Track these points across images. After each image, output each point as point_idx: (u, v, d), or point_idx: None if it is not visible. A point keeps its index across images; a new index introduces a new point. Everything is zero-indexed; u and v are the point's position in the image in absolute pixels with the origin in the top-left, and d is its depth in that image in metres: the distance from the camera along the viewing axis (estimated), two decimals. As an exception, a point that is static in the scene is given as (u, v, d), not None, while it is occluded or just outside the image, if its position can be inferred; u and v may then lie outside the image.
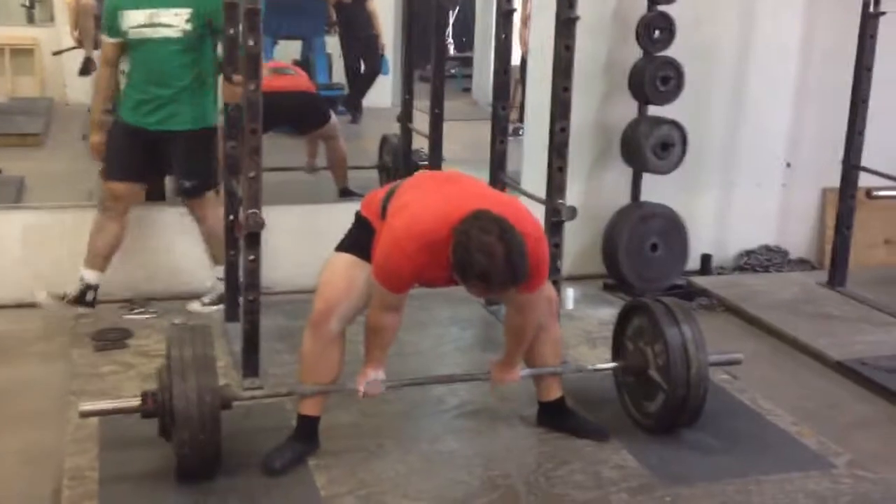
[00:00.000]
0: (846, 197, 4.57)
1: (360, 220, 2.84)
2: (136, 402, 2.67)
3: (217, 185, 3.96)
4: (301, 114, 5.35)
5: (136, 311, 4.04)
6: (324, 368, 2.80)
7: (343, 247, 2.83)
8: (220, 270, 3.95)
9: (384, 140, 5.60)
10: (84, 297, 3.92)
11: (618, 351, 3.21)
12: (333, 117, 5.53)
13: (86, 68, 7.02)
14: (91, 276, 3.93)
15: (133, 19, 3.74)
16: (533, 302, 2.76)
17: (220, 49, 3.79)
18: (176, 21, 3.73)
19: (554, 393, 3.05)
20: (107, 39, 3.87)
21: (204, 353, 2.65)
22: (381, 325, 2.71)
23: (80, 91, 7.57)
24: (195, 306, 4.08)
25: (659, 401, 3.00)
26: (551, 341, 3.00)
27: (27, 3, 8.70)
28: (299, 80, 5.46)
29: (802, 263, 5.23)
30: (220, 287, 3.97)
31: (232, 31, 3.44)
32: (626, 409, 3.16)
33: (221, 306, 3.95)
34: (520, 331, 2.84)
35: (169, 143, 3.87)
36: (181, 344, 2.66)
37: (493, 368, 2.95)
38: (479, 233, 2.44)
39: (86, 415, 2.70)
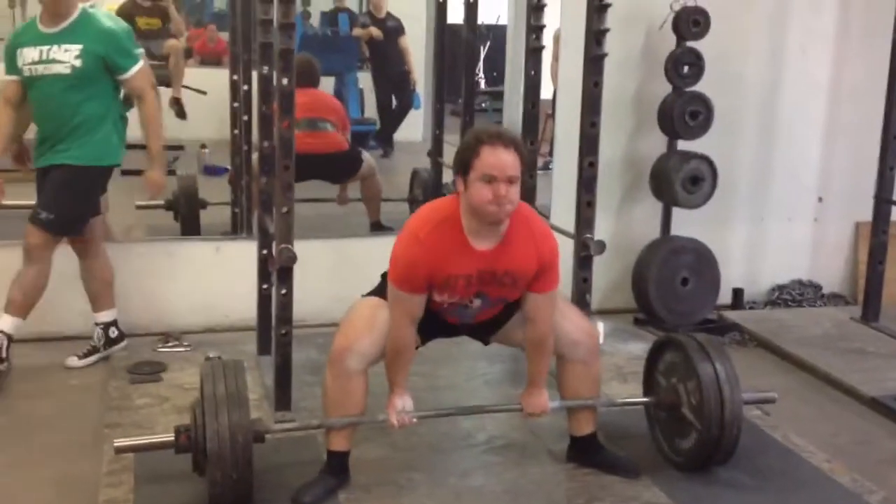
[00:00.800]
0: (878, 232, 4.54)
1: (385, 279, 2.85)
2: (169, 438, 2.70)
3: (81, 229, 3.82)
4: (334, 170, 5.39)
5: (170, 344, 4.09)
6: (347, 404, 2.82)
7: (375, 293, 2.87)
8: (101, 316, 3.92)
9: (415, 174, 5.65)
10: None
11: (650, 385, 3.19)
12: (367, 159, 5.55)
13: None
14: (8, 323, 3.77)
15: (28, 56, 3.69)
16: (547, 304, 2.77)
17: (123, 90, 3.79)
18: (66, 57, 3.65)
19: (587, 428, 3.04)
20: (5, 77, 3.81)
21: (236, 390, 2.67)
22: (400, 341, 2.72)
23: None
24: (73, 361, 3.89)
25: (692, 439, 2.98)
26: (591, 378, 2.99)
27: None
28: (332, 140, 5.38)
29: (836, 298, 5.19)
30: (99, 336, 3.91)
31: (266, 70, 3.50)
32: (658, 445, 3.14)
33: (97, 356, 3.89)
34: (538, 345, 2.83)
35: (47, 174, 3.77)
36: (214, 380, 2.68)
37: (522, 399, 2.94)
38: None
39: (121, 451, 2.74)
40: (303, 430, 3.00)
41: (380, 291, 2.84)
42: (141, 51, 4.00)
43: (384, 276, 2.83)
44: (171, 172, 5.65)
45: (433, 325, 2.85)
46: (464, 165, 2.59)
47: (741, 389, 2.95)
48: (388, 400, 2.80)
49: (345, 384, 2.79)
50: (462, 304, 2.78)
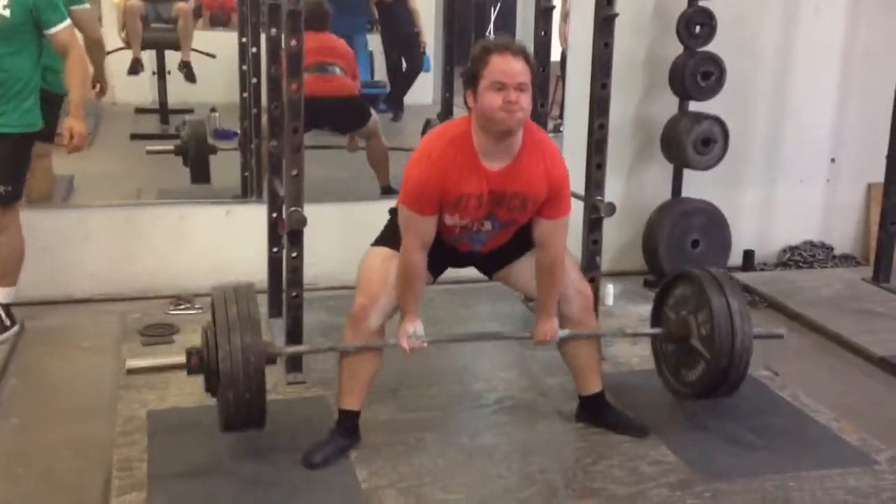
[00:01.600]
0: (890, 193, 4.52)
1: (394, 212, 2.86)
2: (181, 360, 2.72)
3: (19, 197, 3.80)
4: (342, 116, 5.38)
5: (181, 306, 4.12)
6: (364, 364, 2.84)
7: (379, 241, 2.87)
8: (5, 294, 3.84)
9: (427, 123, 5.60)
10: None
11: (658, 320, 3.19)
12: (374, 115, 5.55)
13: (134, 68, 7.17)
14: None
15: None
16: (558, 230, 2.77)
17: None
18: None
19: (594, 386, 3.05)
20: None
21: (248, 312, 2.67)
22: (411, 265, 2.70)
23: (128, 91, 7.73)
24: None
25: (699, 370, 2.99)
26: (590, 338, 3.01)
27: (75, 5, 8.84)
28: (340, 83, 5.42)
29: (847, 259, 5.18)
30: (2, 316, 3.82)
31: (274, 32, 3.49)
32: (664, 379, 3.16)
33: (5, 335, 3.79)
34: (549, 271, 2.81)
35: None
36: (226, 303, 2.69)
37: (532, 329, 2.92)
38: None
39: (132, 371, 2.76)
40: (312, 353, 3.08)
41: (388, 236, 2.84)
42: (85, 6, 4.13)
43: (392, 211, 2.85)
44: (177, 135, 5.65)
45: (443, 257, 2.85)
46: (473, 76, 2.58)
47: (751, 322, 2.95)
48: (400, 326, 2.79)
49: (366, 338, 2.81)
50: (473, 228, 2.75)
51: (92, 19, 4.38)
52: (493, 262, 2.98)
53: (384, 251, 2.83)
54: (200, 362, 2.68)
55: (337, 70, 5.38)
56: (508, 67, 2.54)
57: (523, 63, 2.56)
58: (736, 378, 2.96)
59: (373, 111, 5.61)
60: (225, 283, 2.82)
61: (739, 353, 2.91)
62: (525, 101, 2.55)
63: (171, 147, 5.10)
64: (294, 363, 3.35)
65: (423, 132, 5.64)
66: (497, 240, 2.86)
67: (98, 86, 4.87)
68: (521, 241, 2.87)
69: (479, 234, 2.80)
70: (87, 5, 4.41)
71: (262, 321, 3.72)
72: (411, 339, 2.78)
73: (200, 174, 5.08)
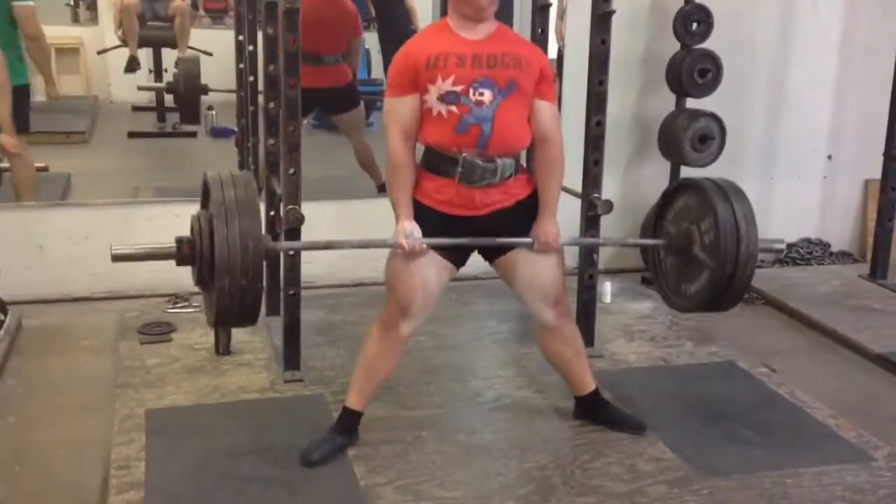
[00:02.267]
0: (888, 189, 4.53)
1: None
2: (170, 246, 2.62)
3: None
4: (334, 101, 5.38)
5: (179, 305, 4.12)
6: (382, 368, 2.85)
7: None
8: None
9: None
10: None
11: (656, 234, 3.12)
12: (361, 106, 5.54)
13: (131, 66, 7.16)
14: None
15: None
16: (555, 116, 2.76)
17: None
18: None
19: (587, 386, 3.05)
20: None
21: (246, 196, 2.54)
22: (395, 154, 2.64)
23: (125, 89, 7.72)
24: None
25: (702, 280, 2.90)
26: (571, 340, 2.97)
27: (72, 3, 8.85)
28: (336, 75, 5.39)
29: (844, 256, 5.18)
30: None
31: (271, 31, 3.49)
32: (663, 293, 3.10)
33: None
34: (551, 163, 2.76)
35: None
36: (222, 186, 2.55)
37: (533, 232, 2.80)
38: None
39: (118, 258, 2.61)
40: (308, 249, 3.08)
41: None
42: (28, 3, 4.25)
43: None
44: (179, 134, 5.65)
45: (453, 234, 2.75)
46: None
47: (757, 229, 2.86)
48: (397, 225, 2.70)
49: (389, 349, 2.81)
50: (472, 100, 2.60)
51: (30, 16, 4.42)
52: (500, 228, 2.78)
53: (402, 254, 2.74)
54: (192, 251, 2.56)
55: (331, 60, 5.32)
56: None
57: None
58: (741, 287, 2.84)
59: (361, 104, 5.60)
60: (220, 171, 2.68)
61: (745, 259, 2.80)
62: None
63: (162, 85, 5.10)
64: (292, 361, 3.35)
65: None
66: (507, 126, 2.65)
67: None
68: (525, 222, 2.79)
69: (483, 110, 2.61)
70: (31, 2, 4.46)
71: (259, 319, 3.78)
72: (410, 239, 2.67)
73: (190, 114, 5.06)
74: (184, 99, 5.10)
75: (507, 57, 2.64)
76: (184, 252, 2.59)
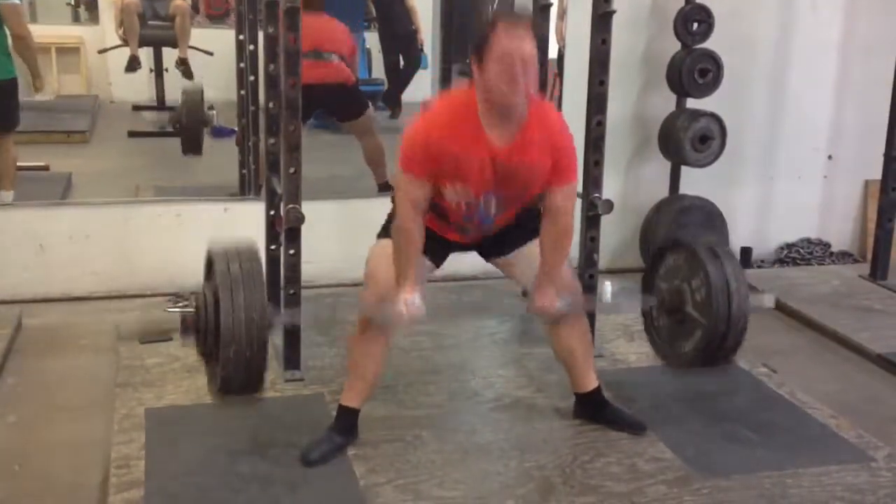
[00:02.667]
0: (888, 189, 4.53)
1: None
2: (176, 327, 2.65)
3: None
4: (338, 103, 5.36)
5: (180, 304, 4.12)
6: (370, 364, 2.84)
7: (385, 233, 2.84)
8: None
9: None
10: None
11: (649, 292, 3.16)
12: (370, 110, 5.53)
13: (131, 66, 7.17)
14: None
15: None
16: (566, 198, 2.74)
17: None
18: None
19: (590, 383, 3.05)
20: None
21: (251, 269, 2.58)
22: (407, 231, 2.65)
23: (126, 88, 7.74)
24: None
25: (696, 338, 2.96)
26: (580, 331, 3.00)
27: (72, 2, 8.86)
28: (338, 71, 5.40)
29: (844, 256, 5.18)
30: None
31: (272, 29, 3.49)
32: (659, 351, 3.14)
33: None
34: (557, 239, 2.77)
35: None
36: (227, 259, 2.60)
37: (531, 295, 2.85)
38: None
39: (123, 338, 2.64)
40: (313, 287, 3.04)
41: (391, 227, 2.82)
42: (14, 1, 4.35)
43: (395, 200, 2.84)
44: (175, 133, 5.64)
45: (446, 245, 2.85)
46: (479, 48, 2.55)
47: (747, 286, 2.93)
48: (398, 294, 2.69)
49: (373, 340, 2.81)
50: (480, 206, 2.71)
51: (16, 15, 4.47)
52: (496, 246, 2.94)
53: (390, 245, 2.77)
54: (196, 325, 2.60)
55: (334, 57, 5.34)
56: (515, 44, 2.52)
57: (530, 38, 2.55)
58: (734, 343, 2.92)
59: (370, 106, 5.59)
60: (223, 242, 2.70)
61: (736, 316, 2.87)
62: (531, 76, 2.55)
63: (165, 116, 5.15)
64: (292, 361, 3.35)
65: None
66: (506, 217, 2.82)
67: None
68: (527, 225, 2.84)
69: (489, 213, 2.75)
70: (17, 1, 4.51)
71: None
72: (410, 307, 2.69)
73: (192, 146, 5.07)
74: (186, 130, 5.11)
75: (525, 170, 2.67)
76: (187, 323, 2.65)
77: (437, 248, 2.84)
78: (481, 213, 2.75)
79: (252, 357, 2.52)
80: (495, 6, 9.68)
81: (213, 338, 2.55)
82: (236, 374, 2.54)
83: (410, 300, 2.69)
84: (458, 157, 2.61)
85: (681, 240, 3.07)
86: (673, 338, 3.07)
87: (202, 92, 5.45)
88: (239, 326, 2.49)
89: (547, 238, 2.79)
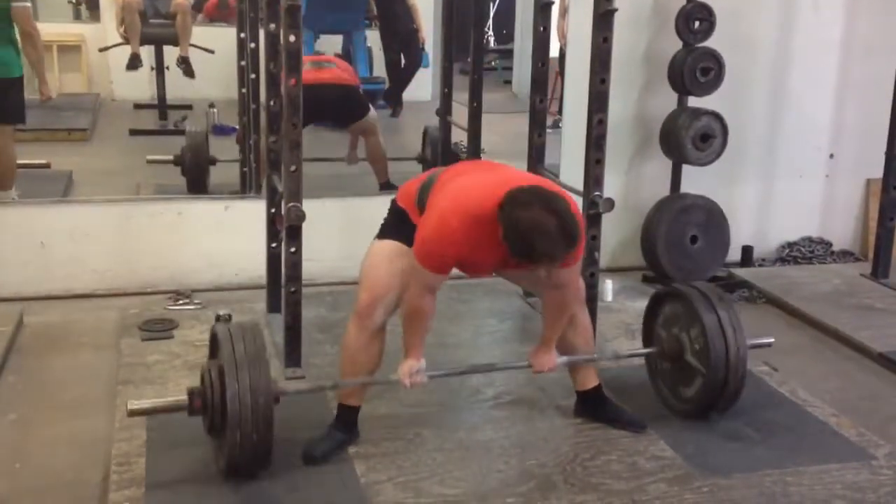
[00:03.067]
0: (889, 188, 4.52)
1: (395, 209, 2.86)
2: (182, 398, 2.67)
3: None
4: (341, 107, 5.38)
5: (181, 302, 4.12)
6: (366, 360, 2.84)
7: (382, 234, 2.86)
8: None
9: (426, 132, 5.64)
10: None
11: (649, 339, 3.21)
12: (372, 112, 5.55)
13: (132, 64, 7.17)
14: None
15: None
16: (573, 275, 2.78)
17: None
18: None
19: (591, 382, 3.06)
20: None
21: (255, 350, 2.62)
22: (420, 309, 2.70)
23: (127, 87, 7.74)
24: None
25: (697, 385, 3.00)
26: (582, 329, 3.01)
27: (74, 1, 8.86)
28: (341, 73, 5.45)
29: (846, 255, 5.18)
30: None
31: (273, 27, 3.49)
32: (662, 396, 3.17)
33: None
34: (560, 308, 2.83)
35: None
36: (232, 340, 2.62)
37: (531, 356, 2.95)
38: (522, 210, 2.43)
39: (133, 413, 2.69)
40: (315, 391, 3.01)
41: (390, 228, 2.83)
42: (25, 4, 4.50)
43: (393, 202, 2.85)
44: (180, 132, 5.66)
45: None
46: (520, 253, 2.48)
47: (744, 333, 2.97)
48: (403, 361, 2.77)
49: (368, 340, 2.81)
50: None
51: (27, 17, 4.61)
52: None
53: (388, 245, 2.80)
54: (203, 403, 2.63)
55: (333, 64, 5.43)
56: (552, 267, 2.57)
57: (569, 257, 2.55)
58: (734, 390, 2.97)
59: (372, 109, 5.61)
60: (227, 323, 2.81)
61: (735, 363, 2.92)
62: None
63: (170, 157, 5.19)
64: (292, 358, 3.35)
65: (423, 141, 5.66)
66: None
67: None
68: None
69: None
70: (28, 3, 4.61)
71: (261, 317, 3.78)
72: (413, 377, 2.76)
73: (197, 186, 5.11)
74: (190, 170, 5.13)
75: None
76: (195, 406, 2.65)
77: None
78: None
79: (259, 440, 2.58)
80: (496, 5, 9.68)
81: (220, 417, 2.61)
82: (242, 456, 2.60)
83: (415, 368, 2.76)
84: (473, 261, 2.69)
85: (675, 289, 3.12)
86: (675, 383, 3.13)
87: (205, 133, 5.49)
88: (245, 410, 2.54)
89: (549, 307, 2.86)
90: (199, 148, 5.22)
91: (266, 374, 2.61)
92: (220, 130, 6.42)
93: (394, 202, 2.87)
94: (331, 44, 7.84)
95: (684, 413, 3.07)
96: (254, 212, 4.07)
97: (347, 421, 2.89)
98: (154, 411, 2.75)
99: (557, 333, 2.90)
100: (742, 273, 4.74)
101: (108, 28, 7.73)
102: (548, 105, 4.19)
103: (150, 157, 5.23)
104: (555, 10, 4.02)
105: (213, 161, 5.23)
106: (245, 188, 4.92)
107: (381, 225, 2.89)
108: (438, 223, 2.57)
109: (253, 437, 2.55)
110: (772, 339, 3.21)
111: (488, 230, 2.52)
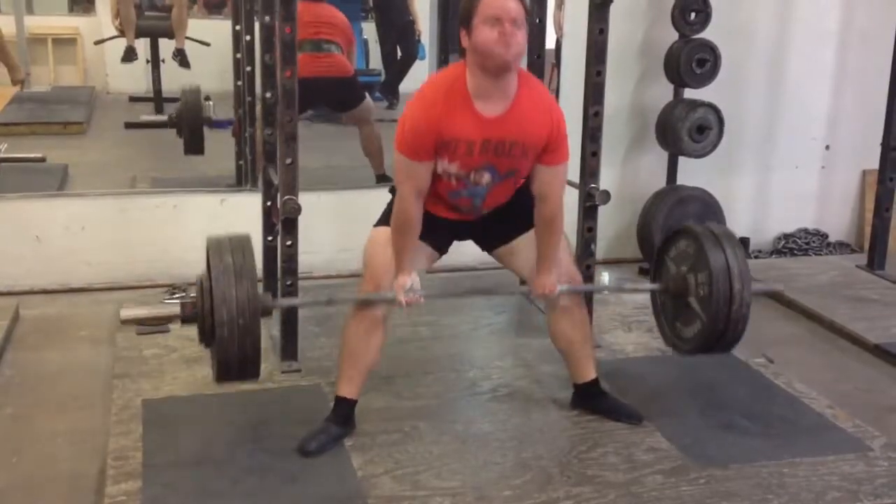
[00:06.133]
0: (885, 179, 4.53)
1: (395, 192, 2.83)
2: (175, 309, 2.71)
3: None
4: (336, 96, 5.36)
5: (177, 295, 4.11)
6: (365, 352, 2.84)
7: (382, 221, 2.84)
8: None
9: None
10: None
11: (658, 271, 3.15)
12: (368, 100, 5.53)
13: (128, 56, 7.14)
14: None
15: None
16: (557, 178, 2.75)
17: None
18: None
19: (588, 374, 3.05)
20: None
21: (243, 261, 2.65)
22: (406, 213, 2.67)
23: (122, 79, 7.72)
24: None
25: (695, 328, 2.97)
26: (579, 323, 3.00)
27: (68, -7, 8.81)
28: (337, 64, 5.38)
29: (842, 246, 5.19)
30: None
31: (268, 19, 3.48)
32: (661, 328, 3.14)
33: None
34: (548, 225, 2.78)
35: None
36: (220, 251, 2.68)
37: (531, 283, 2.89)
38: None
39: (126, 321, 2.70)
40: (308, 305, 3.06)
41: (390, 215, 2.81)
42: None
43: (393, 190, 2.83)
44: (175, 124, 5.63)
45: (444, 228, 2.85)
46: (467, 14, 2.56)
47: (750, 286, 2.90)
48: (396, 280, 2.74)
49: (368, 331, 2.81)
50: (470, 179, 2.72)
51: None
52: (494, 234, 2.94)
53: (388, 233, 2.78)
54: (194, 311, 2.66)
55: (333, 48, 5.32)
56: (502, 3, 2.53)
57: (517, 1, 2.56)
58: (731, 341, 2.93)
59: (367, 97, 5.58)
60: (221, 234, 2.78)
61: (735, 318, 2.86)
62: (521, 37, 2.55)
63: (164, 118, 5.16)
64: (289, 351, 3.35)
65: None
66: (498, 194, 2.81)
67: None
68: (523, 214, 2.83)
69: (479, 188, 2.75)
70: None
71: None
72: (408, 294, 2.72)
73: (194, 147, 5.06)
74: (187, 131, 5.10)
75: (516, 147, 2.67)
76: (187, 312, 2.69)
77: (438, 234, 2.84)
78: (469, 190, 2.75)
79: (243, 331, 2.58)
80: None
81: (210, 323, 2.60)
82: (232, 363, 2.59)
83: (409, 285, 2.72)
84: (448, 136, 2.62)
85: (691, 227, 3.04)
86: (675, 318, 3.08)
87: (199, 91, 5.44)
88: (231, 310, 2.56)
89: (539, 224, 2.81)
90: (195, 107, 5.18)
91: (252, 285, 2.62)
92: (216, 123, 6.38)
93: (393, 187, 2.85)
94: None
95: (679, 350, 3.06)
96: (250, 205, 4.06)
97: (344, 414, 2.89)
98: (147, 320, 2.75)
99: (554, 254, 2.83)
100: (738, 264, 4.73)
101: (103, 21, 7.70)
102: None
103: (144, 118, 5.18)
104: (551, 1, 4.00)
105: (210, 122, 5.20)
106: (241, 181, 4.91)
107: (383, 213, 2.87)
108: (415, 101, 2.66)
109: (240, 321, 2.57)
110: (781, 286, 3.14)
111: (462, 96, 2.59)
